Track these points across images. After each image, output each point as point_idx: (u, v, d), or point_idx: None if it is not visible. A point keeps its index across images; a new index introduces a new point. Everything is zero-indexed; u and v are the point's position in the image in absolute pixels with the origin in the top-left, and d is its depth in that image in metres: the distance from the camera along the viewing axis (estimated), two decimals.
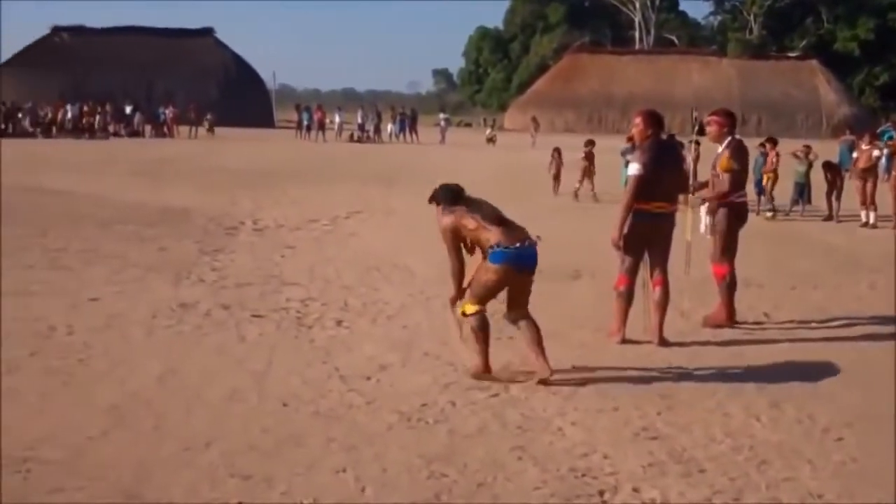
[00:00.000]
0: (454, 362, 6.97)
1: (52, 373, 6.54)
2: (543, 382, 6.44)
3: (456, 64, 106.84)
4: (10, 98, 50.48)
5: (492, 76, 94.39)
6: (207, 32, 71.44)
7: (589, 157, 20.24)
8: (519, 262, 6.50)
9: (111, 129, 46.71)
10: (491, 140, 47.18)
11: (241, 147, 38.42)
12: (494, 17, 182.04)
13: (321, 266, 11.22)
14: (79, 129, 45.15)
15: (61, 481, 4.69)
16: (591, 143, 20.86)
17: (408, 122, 50.06)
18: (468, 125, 77.66)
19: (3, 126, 42.82)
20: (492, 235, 6.45)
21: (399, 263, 11.48)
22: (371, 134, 48.87)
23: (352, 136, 47.60)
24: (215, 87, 65.55)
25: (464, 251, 6.73)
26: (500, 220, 6.57)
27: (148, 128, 48.10)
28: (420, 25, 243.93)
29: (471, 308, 6.59)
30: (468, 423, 5.68)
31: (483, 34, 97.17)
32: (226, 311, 8.64)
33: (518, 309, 6.70)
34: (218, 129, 48.56)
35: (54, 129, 44.85)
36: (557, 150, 21.31)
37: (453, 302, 6.85)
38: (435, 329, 8.11)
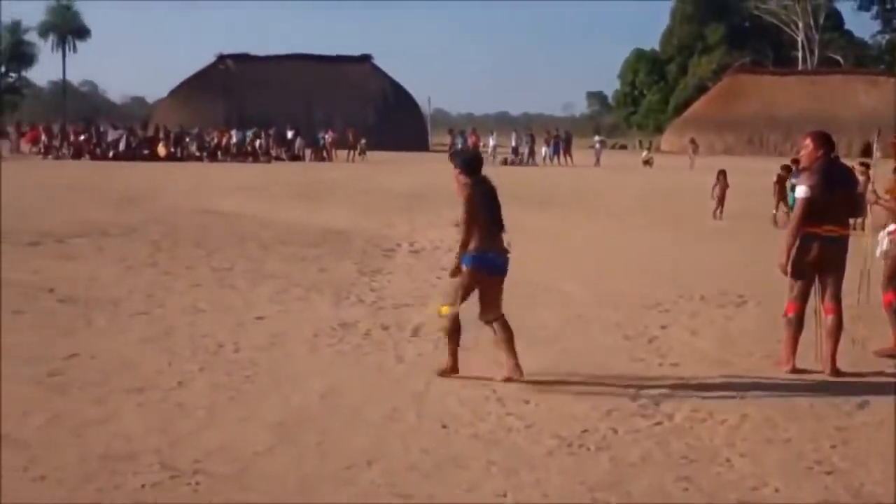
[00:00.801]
0: (615, 388, 6.83)
1: (219, 388, 6.72)
2: (509, 380, 6.83)
3: (610, 86, 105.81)
4: (177, 123, 52.70)
5: (648, 98, 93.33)
6: (365, 59, 72.80)
7: (781, 180, 19.24)
8: (491, 267, 6.95)
9: (273, 152, 48.13)
10: (647, 162, 46.55)
11: (396, 170, 38.98)
12: (650, 39, 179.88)
13: None
14: (242, 154, 46.71)
15: (230, 495, 4.79)
16: (787, 168, 19.64)
17: (562, 145, 49.82)
18: (623, 147, 76.89)
19: (172, 150, 44.68)
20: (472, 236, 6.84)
21: (554, 286, 11.38)
22: (525, 157, 48.87)
23: (505, 159, 47.67)
24: (372, 111, 66.85)
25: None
26: (487, 221, 6.92)
27: (308, 152, 49.33)
28: (574, 49, 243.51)
29: (445, 309, 6.99)
30: (631, 451, 5.54)
31: (639, 56, 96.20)
32: (385, 331, 8.72)
33: (491, 311, 7.04)
34: (374, 153, 49.45)
35: (219, 154, 46.53)
36: (722, 173, 20.72)
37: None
38: (593, 353, 8.00)
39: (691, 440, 5.76)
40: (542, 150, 50.02)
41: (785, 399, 6.66)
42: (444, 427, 5.95)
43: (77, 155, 43.22)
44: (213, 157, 45.50)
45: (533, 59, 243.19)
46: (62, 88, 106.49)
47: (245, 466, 5.17)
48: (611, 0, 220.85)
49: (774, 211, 18.96)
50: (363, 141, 49.21)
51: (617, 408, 6.38)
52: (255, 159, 45.73)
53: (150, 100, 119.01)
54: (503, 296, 7.16)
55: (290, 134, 51.27)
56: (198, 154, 45.71)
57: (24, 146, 47.34)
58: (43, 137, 46.53)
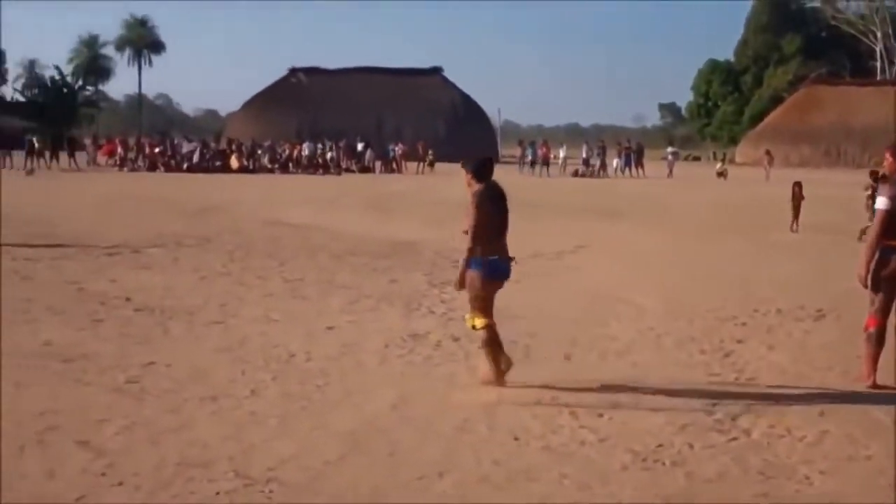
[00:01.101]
0: (690, 403, 6.72)
1: (291, 397, 6.75)
2: (487, 382, 7.03)
3: (682, 98, 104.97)
4: (250, 136, 53.45)
5: (722, 109, 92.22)
6: (436, 71, 73.12)
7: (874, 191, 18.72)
8: (496, 272, 7.04)
9: (343, 164, 48.53)
10: (721, 174, 45.99)
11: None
12: (724, 50, 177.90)
13: (547, 300, 11.15)
14: (314, 166, 47.18)
15: (302, 503, 4.80)
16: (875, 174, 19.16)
17: (634, 156, 49.40)
18: (697, 159, 76.11)
19: (245, 162, 45.32)
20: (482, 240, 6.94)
21: (626, 299, 11.26)
22: (596, 168, 48.57)
23: (576, 171, 47.44)
24: (442, 123, 67.06)
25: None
26: (494, 227, 7.04)
27: (378, 164, 49.66)
28: (646, 60, 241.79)
29: (479, 322, 7.04)
30: (707, 467, 5.44)
31: (713, 67, 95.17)
32: (455, 342, 8.71)
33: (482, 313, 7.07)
34: (443, 165, 49.53)
35: (291, 165, 47.05)
36: (798, 185, 20.34)
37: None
38: (666, 367, 7.89)
39: (769, 456, 5.64)
40: (614, 162, 49.66)
41: (866, 415, 6.49)
42: (515, 439, 5.91)
43: (152, 167, 44.03)
44: (284, 169, 46.02)
45: (604, 70, 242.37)
46: (138, 101, 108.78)
47: (317, 475, 5.19)
48: (683, 10, 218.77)
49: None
50: (431, 153, 49.35)
51: (692, 423, 6.28)
52: (326, 171, 46.15)
53: (222, 113, 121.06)
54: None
55: (360, 146, 51.64)
56: (269, 166, 46.25)
57: (101, 158, 48.32)
58: (119, 150, 47.47)
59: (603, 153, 49.81)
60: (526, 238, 17.56)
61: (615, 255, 15.87)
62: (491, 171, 7.39)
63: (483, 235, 6.98)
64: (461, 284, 7.10)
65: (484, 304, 7.07)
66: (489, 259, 6.99)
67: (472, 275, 6.99)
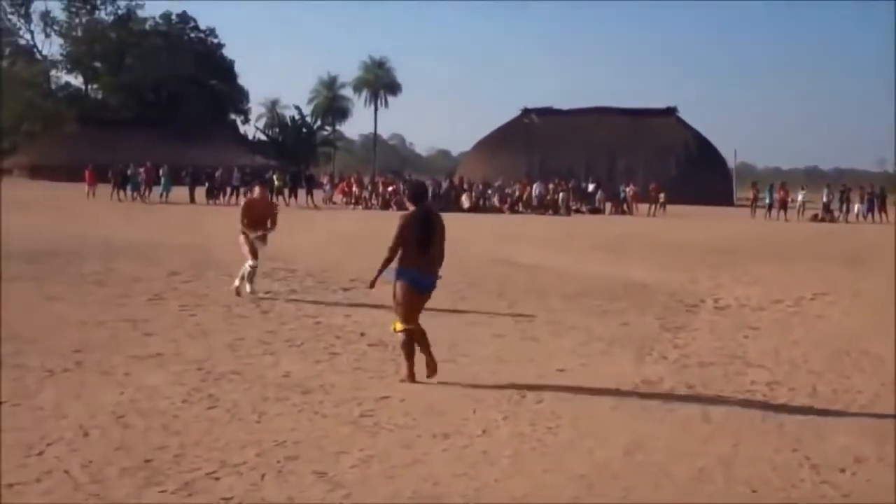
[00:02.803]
0: None
1: (523, 438, 6.75)
2: (404, 381, 8.25)
3: None
4: (482, 175, 54.40)
5: None
6: (671, 112, 72.00)
7: None
8: (413, 282, 8.15)
9: (573, 205, 48.52)
10: None
11: (699, 224, 38.20)
12: None
13: (787, 349, 10.73)
14: (543, 206, 47.40)
15: None
16: None
17: (876, 202, 46.95)
18: None
19: (476, 202, 46.12)
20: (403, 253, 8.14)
21: (870, 350, 10.70)
22: (836, 213, 46.43)
23: (816, 215, 45.52)
24: (675, 164, 66.01)
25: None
26: (415, 244, 8.09)
27: (608, 205, 49.37)
28: (889, 103, 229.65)
29: (398, 326, 8.28)
30: None
31: None
32: (689, 389, 8.49)
33: (408, 321, 8.22)
34: (676, 207, 48.76)
35: (520, 205, 47.46)
36: None
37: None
38: None
39: None
40: (856, 207, 47.34)
41: None
42: (753, 492, 5.71)
43: (385, 205, 45.40)
44: (513, 209, 46.48)
45: (846, 112, 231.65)
46: (373, 141, 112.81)
47: None
48: None
49: None
50: (662, 195, 48.61)
51: None
52: (555, 212, 46.27)
53: (454, 152, 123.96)
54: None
55: (590, 187, 51.53)
56: (498, 205, 46.84)
57: (337, 196, 50.29)
58: (354, 188, 49.25)
59: (846, 199, 47.57)
60: (764, 283, 17.06)
61: (857, 303, 15.06)
62: (425, 197, 8.76)
63: (404, 250, 8.14)
64: (373, 285, 8.46)
65: (404, 311, 8.20)
66: (407, 269, 8.11)
67: (396, 284, 8.19)
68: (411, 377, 8.33)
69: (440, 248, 8.37)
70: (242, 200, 17.04)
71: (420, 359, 8.37)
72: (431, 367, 8.33)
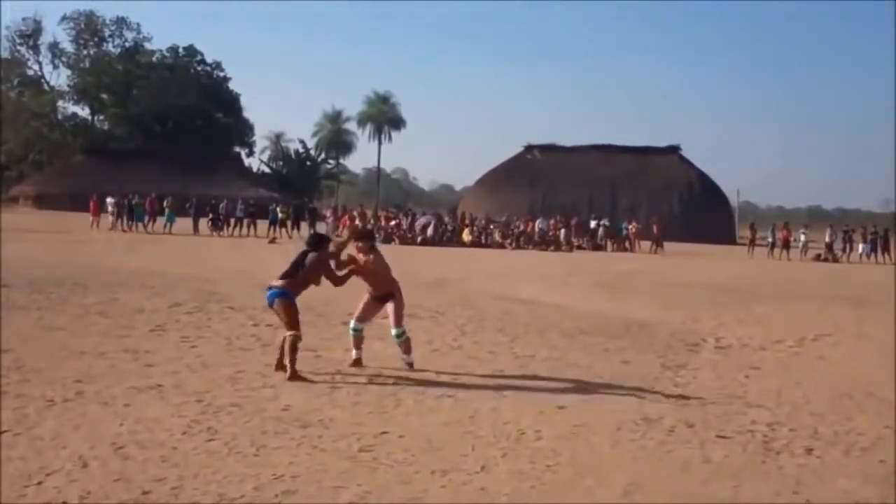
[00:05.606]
0: None
1: (522, 476, 6.72)
2: (292, 379, 9.82)
3: None
4: (484, 210, 54.49)
5: None
6: (673, 150, 72.13)
7: None
8: (267, 299, 10.28)
9: (575, 241, 48.53)
10: None
11: (700, 263, 38.19)
12: None
13: (788, 389, 10.70)
14: (545, 242, 47.43)
15: None
16: None
17: (880, 242, 46.96)
18: None
19: (478, 237, 46.20)
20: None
21: (874, 392, 10.65)
22: (839, 254, 46.44)
23: (818, 255, 45.52)
24: (678, 202, 66.17)
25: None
26: (292, 267, 10.27)
27: (609, 242, 49.39)
28: (893, 143, 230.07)
29: (288, 330, 10.04)
30: None
31: None
32: (690, 428, 8.45)
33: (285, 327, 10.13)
34: (677, 245, 48.76)
35: (522, 241, 47.49)
36: None
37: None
38: None
39: None
40: (860, 248, 47.35)
41: None
42: None
43: (387, 239, 45.43)
44: (516, 245, 46.51)
45: (849, 152, 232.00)
46: (376, 175, 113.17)
47: None
48: None
49: None
50: (655, 227, 48.56)
51: None
52: (557, 248, 46.29)
53: (457, 187, 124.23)
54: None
55: (592, 223, 51.60)
56: (501, 241, 46.89)
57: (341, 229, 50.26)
58: (357, 222, 49.29)
59: (850, 239, 47.61)
60: (766, 323, 17.04)
61: (861, 344, 15.03)
62: (320, 242, 10.80)
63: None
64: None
65: (287, 319, 10.09)
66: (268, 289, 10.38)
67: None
68: (294, 374, 9.93)
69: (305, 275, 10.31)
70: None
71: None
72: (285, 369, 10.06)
